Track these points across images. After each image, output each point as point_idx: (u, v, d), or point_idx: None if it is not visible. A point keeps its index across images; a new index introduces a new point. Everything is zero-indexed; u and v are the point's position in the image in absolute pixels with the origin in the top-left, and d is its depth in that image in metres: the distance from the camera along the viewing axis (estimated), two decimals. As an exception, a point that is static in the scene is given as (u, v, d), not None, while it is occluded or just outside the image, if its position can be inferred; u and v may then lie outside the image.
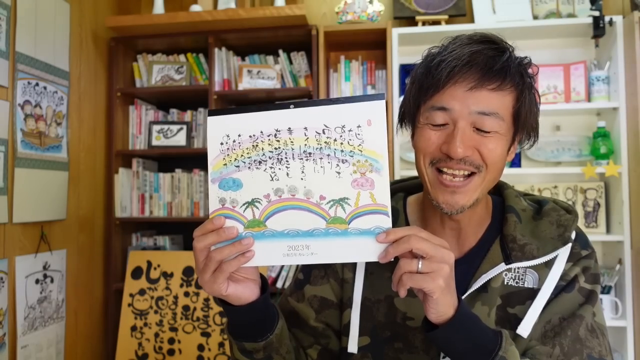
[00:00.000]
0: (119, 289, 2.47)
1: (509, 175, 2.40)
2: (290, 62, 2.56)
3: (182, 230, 2.78)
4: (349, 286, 0.89)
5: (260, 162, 0.70)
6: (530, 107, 0.79)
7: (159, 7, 2.57)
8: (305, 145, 0.69)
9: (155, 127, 2.63)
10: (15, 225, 1.96)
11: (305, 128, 0.69)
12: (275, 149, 0.70)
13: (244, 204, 0.71)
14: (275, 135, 0.70)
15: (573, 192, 2.37)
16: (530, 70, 0.79)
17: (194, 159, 2.69)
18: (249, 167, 0.71)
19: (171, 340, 2.15)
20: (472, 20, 2.44)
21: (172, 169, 2.63)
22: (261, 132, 0.70)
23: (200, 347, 2.11)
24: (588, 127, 2.39)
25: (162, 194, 2.61)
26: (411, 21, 2.48)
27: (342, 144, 0.69)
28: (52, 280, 2.16)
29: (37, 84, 2.07)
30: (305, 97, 2.54)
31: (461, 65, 0.74)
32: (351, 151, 0.68)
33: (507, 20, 2.35)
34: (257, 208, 0.71)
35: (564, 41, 2.43)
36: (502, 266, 0.81)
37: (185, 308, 2.16)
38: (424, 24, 2.43)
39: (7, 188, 1.92)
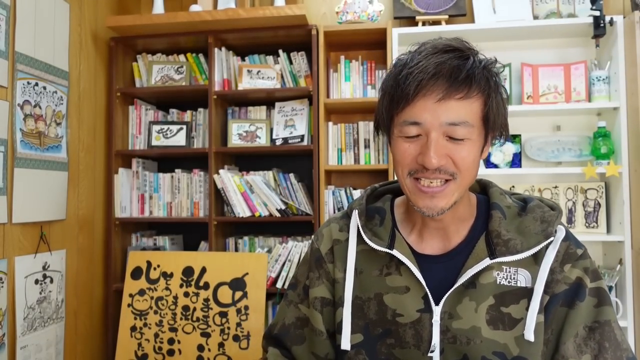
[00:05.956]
0: (118, 289, 2.47)
1: (510, 175, 2.39)
2: (290, 62, 2.56)
3: (182, 231, 2.78)
4: (340, 286, 0.92)
5: None
6: (497, 109, 0.81)
7: (158, 7, 2.57)
8: None
9: (155, 127, 2.62)
10: (14, 226, 1.96)
11: None
12: None
13: None
14: None
15: (573, 192, 2.37)
16: (495, 69, 0.82)
17: (193, 159, 2.69)
18: None
19: (171, 341, 2.14)
20: (472, 20, 2.43)
21: (172, 169, 2.63)
22: None
23: (200, 348, 2.11)
24: (588, 127, 2.39)
25: (162, 194, 2.61)
26: (411, 21, 2.47)
27: None
28: (51, 281, 2.16)
29: (36, 84, 2.07)
30: (305, 97, 2.54)
31: (428, 78, 0.76)
32: None
33: (507, 20, 2.34)
34: None
35: (565, 41, 2.43)
36: (487, 261, 0.82)
37: (185, 308, 2.16)
38: (424, 24, 2.42)
39: (7, 188, 1.91)
